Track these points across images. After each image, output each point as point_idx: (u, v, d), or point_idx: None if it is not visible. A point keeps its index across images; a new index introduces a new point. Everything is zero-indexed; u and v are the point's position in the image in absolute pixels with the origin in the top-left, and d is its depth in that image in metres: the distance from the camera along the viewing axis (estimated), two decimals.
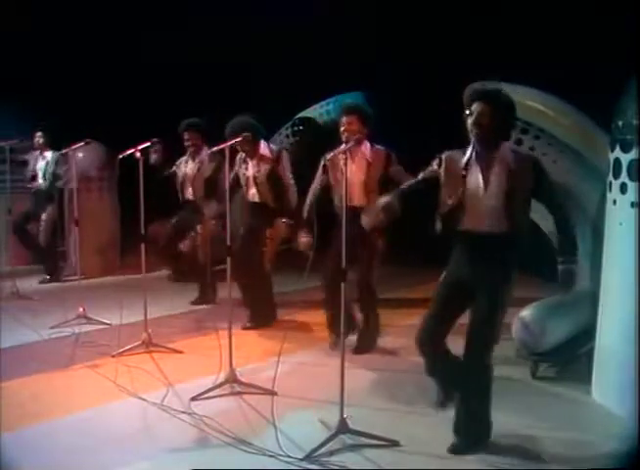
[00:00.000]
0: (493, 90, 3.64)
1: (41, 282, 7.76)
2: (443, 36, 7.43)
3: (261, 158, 5.84)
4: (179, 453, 3.69)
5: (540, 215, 4.08)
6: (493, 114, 3.52)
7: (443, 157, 3.72)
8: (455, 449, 3.66)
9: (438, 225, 3.66)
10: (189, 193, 6.78)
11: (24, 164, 7.98)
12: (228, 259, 4.58)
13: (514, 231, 3.56)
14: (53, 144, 7.76)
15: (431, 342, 3.71)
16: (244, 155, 5.89)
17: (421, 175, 3.83)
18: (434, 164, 3.75)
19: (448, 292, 3.73)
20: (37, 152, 7.91)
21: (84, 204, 7.77)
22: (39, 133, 7.84)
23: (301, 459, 3.54)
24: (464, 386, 3.69)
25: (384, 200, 3.65)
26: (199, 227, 6.59)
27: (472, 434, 3.69)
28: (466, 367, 3.64)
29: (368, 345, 5.29)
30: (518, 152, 3.74)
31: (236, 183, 5.91)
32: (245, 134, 5.16)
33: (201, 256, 6.65)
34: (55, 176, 7.80)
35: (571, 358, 4.80)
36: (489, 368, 3.64)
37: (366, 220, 3.74)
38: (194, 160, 6.74)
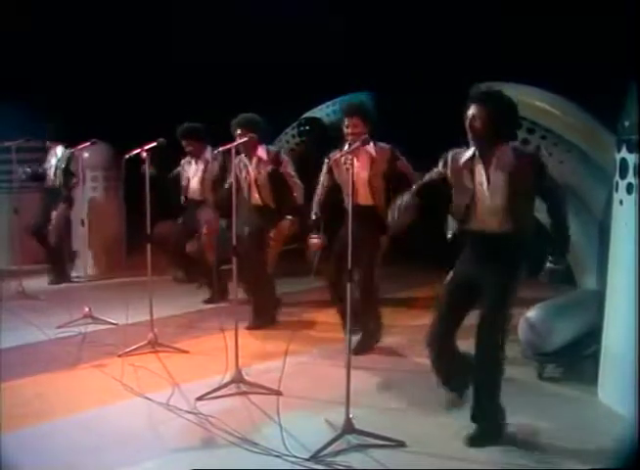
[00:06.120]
0: (489, 92, 3.61)
1: (50, 283, 7.71)
2: (450, 36, 7.42)
3: (259, 160, 5.81)
4: (185, 453, 3.69)
5: (546, 216, 4.07)
6: (488, 116, 3.50)
7: (449, 157, 3.71)
8: (471, 441, 3.68)
9: (452, 225, 3.67)
10: (194, 193, 6.78)
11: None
12: (234, 260, 4.57)
13: (518, 230, 3.57)
14: (62, 139, 7.56)
15: (441, 341, 3.73)
16: (243, 158, 5.83)
17: (427, 177, 3.83)
18: (440, 165, 3.75)
19: (456, 291, 3.74)
20: (51, 150, 7.76)
21: (90, 204, 7.84)
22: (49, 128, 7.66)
23: (307, 459, 3.54)
24: (476, 382, 3.70)
25: (400, 200, 3.68)
26: (204, 227, 6.59)
27: (487, 426, 3.70)
28: (477, 364, 3.65)
29: (368, 345, 5.23)
30: (518, 150, 3.72)
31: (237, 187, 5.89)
32: (250, 135, 5.26)
33: (207, 255, 6.64)
34: (67, 174, 7.55)
35: (577, 359, 4.79)
36: (500, 364, 3.64)
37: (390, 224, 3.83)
38: (197, 161, 6.74)
